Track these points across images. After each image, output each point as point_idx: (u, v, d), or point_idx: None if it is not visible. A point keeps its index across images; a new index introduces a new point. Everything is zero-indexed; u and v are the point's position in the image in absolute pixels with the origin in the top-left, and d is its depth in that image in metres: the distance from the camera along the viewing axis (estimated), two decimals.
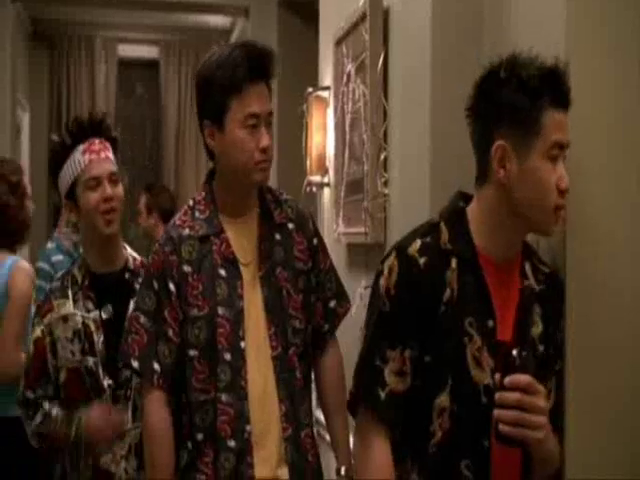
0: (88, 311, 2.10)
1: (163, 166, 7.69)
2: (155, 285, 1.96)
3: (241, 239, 2.00)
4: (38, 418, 2.14)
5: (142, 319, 1.95)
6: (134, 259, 2.23)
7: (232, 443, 1.91)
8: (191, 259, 1.95)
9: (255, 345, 1.95)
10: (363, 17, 2.69)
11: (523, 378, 1.42)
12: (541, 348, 1.58)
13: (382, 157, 2.62)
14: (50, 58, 7.50)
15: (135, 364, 1.93)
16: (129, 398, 2.07)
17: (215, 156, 2.01)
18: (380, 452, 1.57)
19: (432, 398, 1.53)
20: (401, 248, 1.60)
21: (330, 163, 3.34)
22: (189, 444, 1.95)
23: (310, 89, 3.45)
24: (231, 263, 1.97)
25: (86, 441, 2.09)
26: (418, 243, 1.58)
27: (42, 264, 3.28)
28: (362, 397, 1.61)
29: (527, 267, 1.61)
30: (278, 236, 2.02)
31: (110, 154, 2.16)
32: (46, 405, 2.13)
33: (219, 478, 1.92)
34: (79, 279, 2.13)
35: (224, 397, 1.91)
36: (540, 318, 1.59)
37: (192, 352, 1.93)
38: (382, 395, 1.55)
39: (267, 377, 1.95)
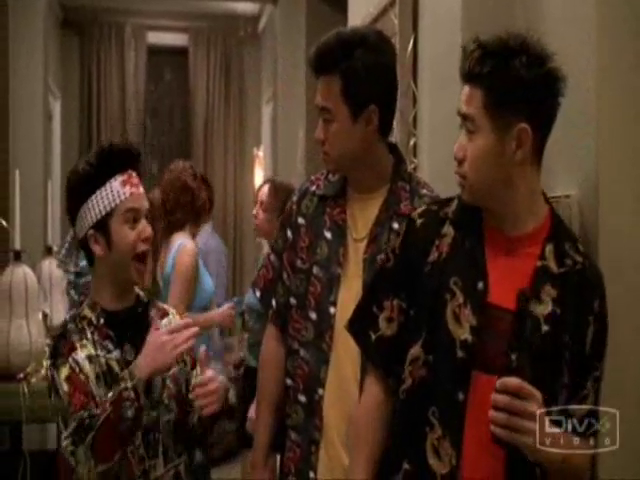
0: (109, 351, 1.92)
1: (192, 152, 7.73)
2: (282, 229, 2.09)
3: (360, 214, 1.99)
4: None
5: (272, 257, 2.11)
6: (142, 294, 2.05)
7: (303, 398, 1.98)
8: (307, 213, 2.03)
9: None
10: (392, 2, 2.68)
11: (512, 381, 1.41)
12: (546, 328, 1.54)
13: (411, 143, 2.62)
14: (80, 45, 7.57)
15: (258, 294, 2.14)
16: (158, 442, 1.91)
17: None
18: (367, 394, 1.73)
19: (408, 349, 1.63)
20: (411, 214, 1.75)
21: None
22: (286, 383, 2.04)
23: None
24: (339, 228, 1.98)
25: None
26: (422, 208, 1.73)
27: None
28: (357, 339, 1.76)
29: (548, 248, 1.59)
30: (396, 225, 1.92)
31: None
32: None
33: (288, 425, 2.01)
34: (93, 319, 1.94)
35: (302, 352, 1.98)
36: (552, 300, 1.56)
37: (292, 300, 2.03)
38: (373, 337, 1.71)
39: (354, 360, 1.91)
